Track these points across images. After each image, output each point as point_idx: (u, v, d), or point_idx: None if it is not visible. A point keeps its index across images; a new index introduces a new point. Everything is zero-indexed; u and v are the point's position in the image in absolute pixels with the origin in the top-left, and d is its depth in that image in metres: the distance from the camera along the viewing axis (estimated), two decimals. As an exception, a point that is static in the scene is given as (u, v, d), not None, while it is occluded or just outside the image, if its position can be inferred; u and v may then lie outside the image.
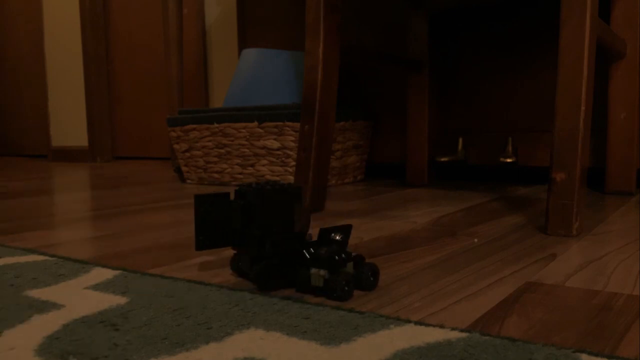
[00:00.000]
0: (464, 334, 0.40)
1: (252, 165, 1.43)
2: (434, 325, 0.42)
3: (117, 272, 0.60)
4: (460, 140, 1.44)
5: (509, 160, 1.35)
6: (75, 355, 0.38)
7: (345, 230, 0.55)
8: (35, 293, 0.53)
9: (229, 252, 0.71)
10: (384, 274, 0.59)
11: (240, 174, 1.46)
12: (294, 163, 1.36)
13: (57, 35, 2.85)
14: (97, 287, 0.54)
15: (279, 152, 1.37)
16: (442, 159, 1.45)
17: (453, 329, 0.41)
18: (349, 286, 0.50)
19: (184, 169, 1.59)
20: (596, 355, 0.36)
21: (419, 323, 0.43)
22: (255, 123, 1.39)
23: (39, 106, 3.10)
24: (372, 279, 0.53)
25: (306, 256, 0.52)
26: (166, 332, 0.42)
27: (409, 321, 0.43)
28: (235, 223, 0.56)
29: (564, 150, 0.79)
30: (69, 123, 2.86)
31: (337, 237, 0.54)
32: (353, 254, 0.53)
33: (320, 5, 1.00)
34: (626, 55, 1.17)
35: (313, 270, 0.51)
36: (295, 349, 0.38)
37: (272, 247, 0.52)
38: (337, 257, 0.51)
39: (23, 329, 0.43)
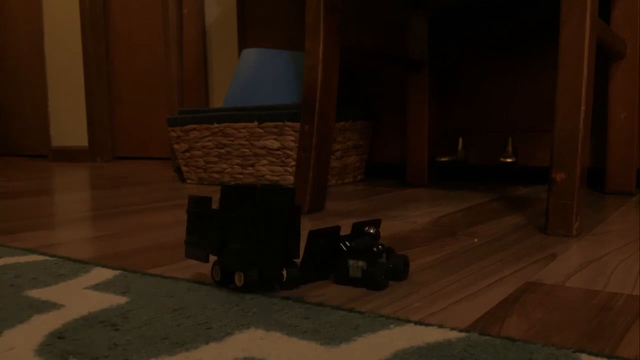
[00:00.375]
0: (463, 334, 0.40)
1: (252, 165, 1.43)
2: (433, 325, 0.42)
3: (117, 272, 0.60)
4: (460, 140, 1.44)
5: (509, 160, 1.35)
6: (75, 355, 0.38)
7: (377, 223, 0.57)
8: (35, 293, 0.53)
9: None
10: (384, 274, 0.59)
11: (240, 174, 1.46)
12: (294, 163, 1.36)
13: (57, 35, 2.85)
14: (97, 287, 0.54)
15: (279, 152, 1.37)
16: (442, 159, 1.45)
17: (453, 329, 0.41)
18: (386, 276, 0.53)
19: (184, 169, 1.59)
20: (596, 355, 0.36)
21: (419, 323, 0.43)
22: (255, 123, 1.39)
23: (39, 106, 3.10)
24: (405, 268, 0.56)
25: (343, 249, 0.55)
26: (166, 332, 0.42)
27: (408, 321, 0.43)
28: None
29: (564, 150, 0.79)
30: (69, 123, 2.86)
31: (371, 231, 0.56)
32: (385, 246, 0.56)
33: (320, 5, 1.00)
34: (626, 55, 1.17)
35: (351, 262, 0.53)
36: (295, 349, 0.38)
37: (314, 242, 0.53)
38: (375, 249, 0.53)
39: (23, 329, 0.43)
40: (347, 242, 0.56)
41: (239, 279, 0.51)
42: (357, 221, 0.56)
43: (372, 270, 0.52)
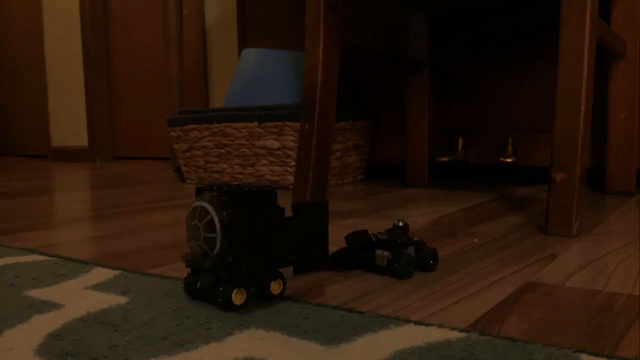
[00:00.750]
0: (463, 334, 0.40)
1: (252, 165, 1.43)
2: (433, 325, 0.42)
3: (117, 272, 0.60)
4: (460, 140, 1.44)
5: (509, 160, 1.35)
6: (75, 355, 0.38)
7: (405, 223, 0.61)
8: (35, 293, 0.53)
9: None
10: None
11: (240, 173, 1.46)
12: (294, 163, 1.36)
13: (57, 35, 2.85)
14: (97, 287, 0.54)
15: (279, 152, 1.37)
16: (442, 159, 1.45)
17: (453, 329, 0.41)
18: (409, 266, 0.57)
19: (184, 169, 1.59)
20: (596, 355, 0.36)
21: (419, 323, 0.43)
22: (255, 123, 1.39)
23: (39, 106, 3.10)
24: (432, 261, 0.59)
25: (372, 240, 0.59)
26: (166, 332, 0.42)
27: (408, 321, 0.43)
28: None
29: (564, 150, 0.79)
30: (69, 123, 2.86)
31: (400, 224, 0.60)
32: (415, 239, 0.60)
33: (320, 5, 1.00)
34: (626, 55, 1.17)
35: (378, 252, 0.58)
36: (295, 349, 0.38)
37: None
38: (398, 240, 0.57)
39: (23, 329, 0.43)
40: (377, 234, 0.59)
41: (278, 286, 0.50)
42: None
43: (397, 260, 0.56)
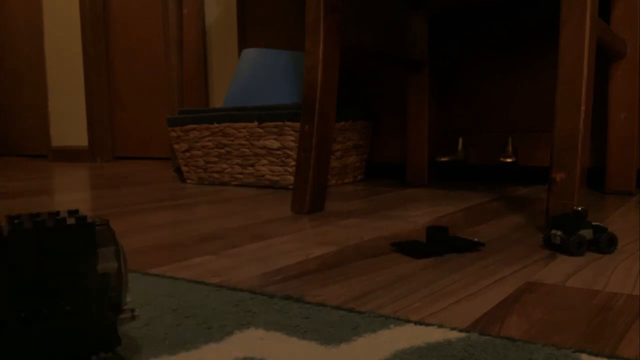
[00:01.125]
0: (463, 334, 0.40)
1: (252, 165, 1.43)
2: (433, 325, 0.42)
3: (117, 272, 0.60)
4: (460, 140, 1.44)
5: (509, 160, 1.35)
6: (75, 355, 0.38)
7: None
8: (35, 293, 0.53)
9: (234, 250, 0.70)
10: (383, 274, 0.59)
11: (240, 174, 1.46)
12: (294, 163, 1.36)
13: (57, 35, 2.85)
14: (97, 287, 0.54)
15: (279, 152, 1.37)
16: (442, 159, 1.45)
17: (453, 329, 0.41)
18: (580, 245, 0.64)
19: (184, 169, 1.59)
20: (596, 355, 0.36)
21: (419, 323, 0.43)
22: (255, 123, 1.39)
23: (39, 106, 3.10)
24: (609, 244, 0.65)
25: (551, 221, 0.68)
26: (166, 332, 0.42)
27: (408, 321, 0.43)
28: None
29: (564, 150, 0.79)
30: (69, 123, 2.86)
31: (579, 209, 0.67)
32: (594, 223, 0.67)
33: (320, 5, 1.00)
34: (626, 55, 1.17)
35: (553, 231, 0.67)
36: (295, 349, 0.38)
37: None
38: (569, 222, 0.66)
39: (23, 329, 0.43)
40: (556, 216, 0.68)
41: None
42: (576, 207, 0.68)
43: (567, 239, 0.64)
